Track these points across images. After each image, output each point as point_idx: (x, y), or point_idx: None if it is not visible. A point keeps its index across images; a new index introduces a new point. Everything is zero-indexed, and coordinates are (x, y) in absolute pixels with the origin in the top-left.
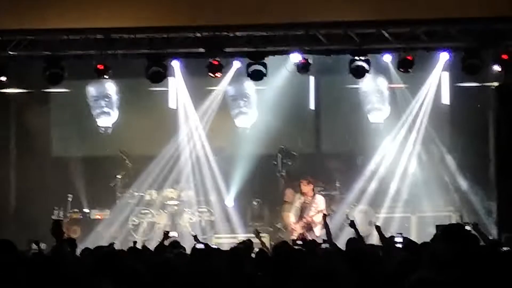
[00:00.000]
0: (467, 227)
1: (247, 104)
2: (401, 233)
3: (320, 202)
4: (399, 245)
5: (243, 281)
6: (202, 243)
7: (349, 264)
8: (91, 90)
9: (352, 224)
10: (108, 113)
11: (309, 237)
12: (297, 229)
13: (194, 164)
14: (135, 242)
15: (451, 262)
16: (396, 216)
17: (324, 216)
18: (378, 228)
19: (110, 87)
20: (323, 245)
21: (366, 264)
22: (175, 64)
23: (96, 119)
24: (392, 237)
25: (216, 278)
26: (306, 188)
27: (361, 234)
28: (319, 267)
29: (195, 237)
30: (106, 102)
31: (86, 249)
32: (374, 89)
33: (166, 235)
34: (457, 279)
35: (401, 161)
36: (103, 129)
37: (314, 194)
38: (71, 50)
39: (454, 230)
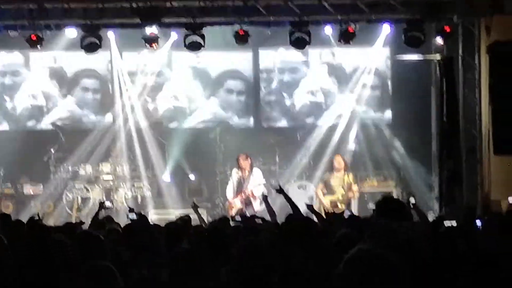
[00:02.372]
0: (412, 200)
1: None
2: (349, 209)
3: (258, 175)
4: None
5: (180, 257)
6: (136, 213)
7: (289, 240)
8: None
9: (280, 191)
10: None
11: (248, 213)
12: (236, 204)
13: (130, 138)
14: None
15: (387, 236)
16: None
17: (265, 197)
18: (310, 207)
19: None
20: (258, 220)
21: (307, 238)
22: (111, 35)
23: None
24: (342, 212)
25: (152, 254)
26: (244, 163)
27: (301, 211)
28: (254, 243)
29: (131, 209)
30: None
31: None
32: (313, 63)
33: (101, 205)
34: (394, 252)
35: (342, 137)
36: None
37: (251, 169)
38: (2, 20)
39: (387, 205)
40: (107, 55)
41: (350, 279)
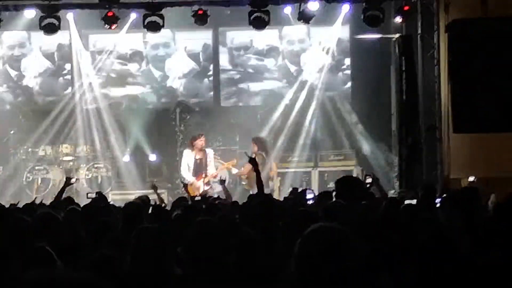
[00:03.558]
0: (368, 180)
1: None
2: (311, 189)
3: (211, 156)
4: (310, 201)
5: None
6: (96, 192)
7: (248, 220)
8: None
9: (252, 161)
10: None
11: (210, 193)
12: (198, 186)
13: (90, 119)
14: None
15: (345, 214)
16: (298, 170)
17: (223, 181)
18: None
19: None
20: (217, 201)
21: (266, 217)
22: (69, 16)
23: None
24: (304, 191)
25: (111, 234)
26: (200, 143)
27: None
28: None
29: (88, 194)
30: None
31: None
32: (272, 44)
33: (68, 180)
34: (352, 228)
35: (302, 116)
36: None
37: (205, 149)
38: None
39: (346, 185)
40: (67, 35)
41: (307, 254)
